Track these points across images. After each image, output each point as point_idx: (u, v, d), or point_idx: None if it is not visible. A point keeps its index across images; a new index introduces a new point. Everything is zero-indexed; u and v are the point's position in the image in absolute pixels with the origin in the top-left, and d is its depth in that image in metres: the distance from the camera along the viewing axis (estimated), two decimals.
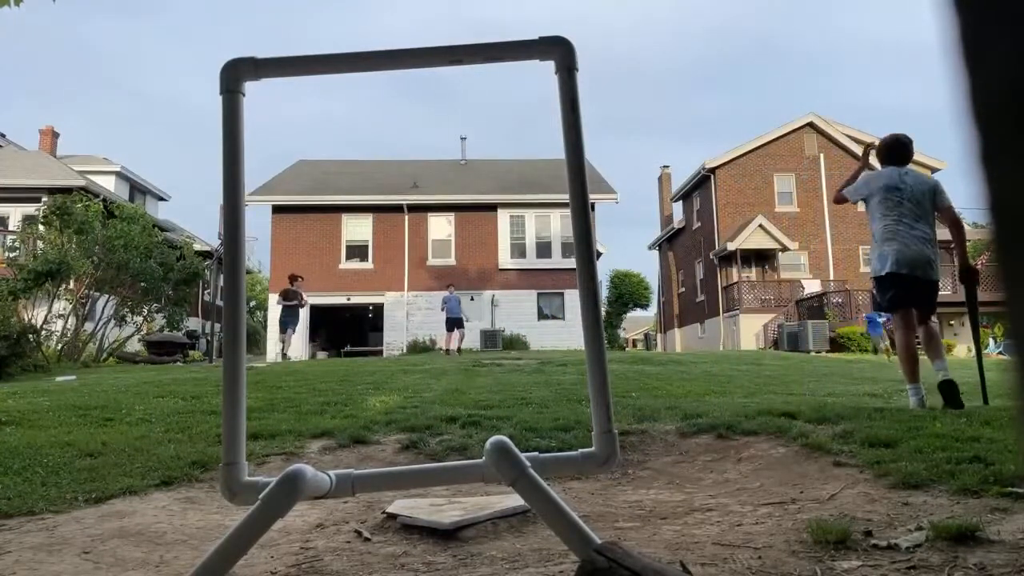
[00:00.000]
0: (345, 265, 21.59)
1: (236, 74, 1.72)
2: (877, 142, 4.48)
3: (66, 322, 14.41)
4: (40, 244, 15.54)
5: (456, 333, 15.81)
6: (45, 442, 3.71)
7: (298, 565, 1.93)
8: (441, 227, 22.15)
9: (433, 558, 1.94)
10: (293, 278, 14.71)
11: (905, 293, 4.17)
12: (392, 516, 2.33)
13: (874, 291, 4.47)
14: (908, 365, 4.25)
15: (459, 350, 15.51)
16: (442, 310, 16.14)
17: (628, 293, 32.30)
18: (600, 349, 1.65)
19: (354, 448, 3.63)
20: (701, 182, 26.60)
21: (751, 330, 22.45)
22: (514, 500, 2.27)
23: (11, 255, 15.92)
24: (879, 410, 3.98)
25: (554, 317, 21.39)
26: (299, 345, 20.25)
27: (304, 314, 17.01)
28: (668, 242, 31.87)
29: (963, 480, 2.38)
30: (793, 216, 24.61)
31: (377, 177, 23.81)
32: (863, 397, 5.11)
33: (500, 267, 21.68)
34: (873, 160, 4.61)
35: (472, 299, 21.54)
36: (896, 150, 4.36)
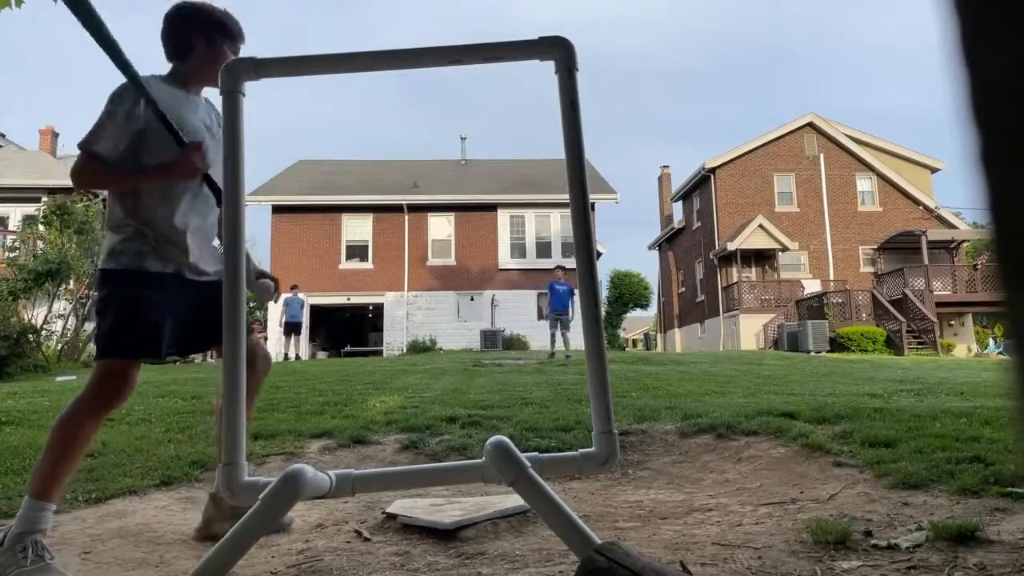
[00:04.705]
0: (345, 265, 21.59)
1: (236, 74, 1.73)
2: None
3: (66, 322, 14.40)
4: (40, 244, 15.54)
5: (560, 331, 11.91)
6: (45, 442, 3.71)
7: (298, 565, 1.93)
8: (441, 227, 22.14)
9: (433, 558, 1.94)
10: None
11: None
12: (392, 516, 2.33)
13: None
14: None
15: (564, 352, 11.86)
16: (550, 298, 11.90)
17: (628, 293, 32.25)
18: (600, 349, 1.65)
19: (354, 448, 3.63)
20: (701, 182, 26.58)
21: (751, 330, 22.43)
22: (514, 500, 2.27)
23: (11, 255, 15.91)
24: (879, 410, 3.98)
25: None
26: (300, 345, 20.25)
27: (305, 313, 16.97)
28: (668, 242, 31.86)
29: (963, 480, 2.38)
30: (793, 216, 24.60)
31: (377, 177, 23.81)
32: (863, 397, 5.11)
33: (500, 267, 21.67)
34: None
35: (472, 299, 21.55)
36: None
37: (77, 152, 2.03)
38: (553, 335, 12.05)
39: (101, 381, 1.98)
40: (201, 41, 2.15)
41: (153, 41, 2.24)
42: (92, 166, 2.00)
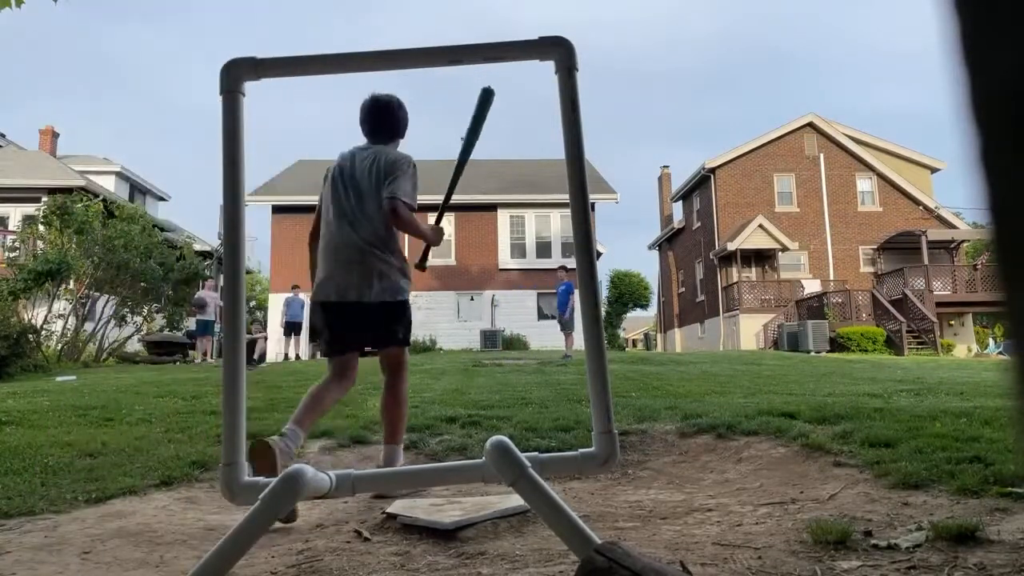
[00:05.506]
0: None
1: (236, 74, 1.72)
2: None
3: (66, 322, 14.40)
4: (40, 244, 15.53)
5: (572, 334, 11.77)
6: (45, 442, 3.71)
7: (298, 565, 1.93)
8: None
9: (433, 558, 1.94)
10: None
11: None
12: (392, 516, 2.33)
13: None
14: None
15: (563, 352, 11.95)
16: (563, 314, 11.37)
17: (628, 293, 32.27)
18: (600, 349, 1.65)
19: (354, 448, 3.63)
20: (701, 182, 26.58)
21: (751, 330, 22.43)
22: (514, 500, 2.26)
23: (11, 255, 15.90)
24: (879, 410, 3.98)
25: (554, 317, 21.39)
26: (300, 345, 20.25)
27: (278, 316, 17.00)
28: (668, 242, 31.86)
29: (963, 480, 2.38)
30: (793, 216, 24.60)
31: None
32: (863, 397, 5.11)
33: (500, 267, 21.67)
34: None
35: (472, 299, 21.54)
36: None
37: (387, 199, 2.83)
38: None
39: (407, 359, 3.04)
40: (406, 125, 3.12)
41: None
42: (413, 216, 2.87)
